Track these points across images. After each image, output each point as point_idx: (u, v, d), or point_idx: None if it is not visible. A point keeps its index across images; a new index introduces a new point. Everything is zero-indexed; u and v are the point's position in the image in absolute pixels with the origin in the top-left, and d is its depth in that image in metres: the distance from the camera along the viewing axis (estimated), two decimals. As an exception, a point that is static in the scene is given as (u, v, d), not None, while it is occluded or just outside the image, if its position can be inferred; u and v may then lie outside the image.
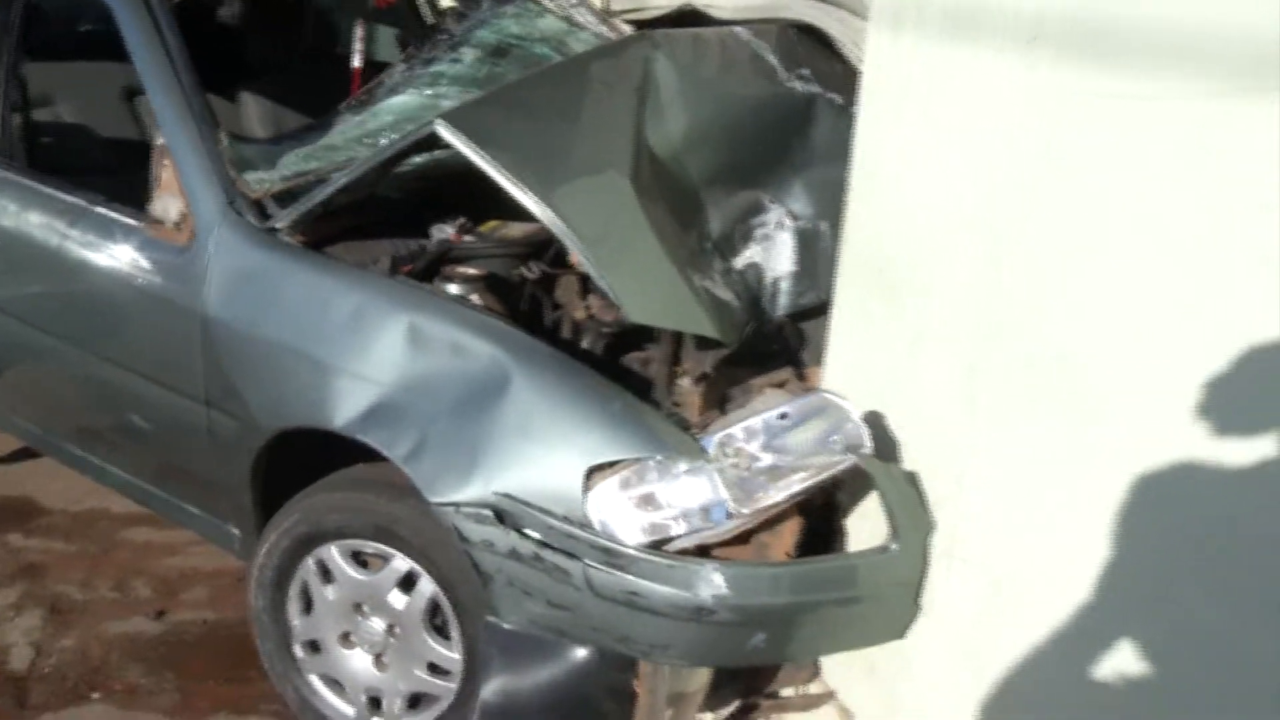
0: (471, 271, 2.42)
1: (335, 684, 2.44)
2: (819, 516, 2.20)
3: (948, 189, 1.95)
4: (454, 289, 2.38)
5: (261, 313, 2.35)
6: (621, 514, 1.97)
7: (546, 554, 1.99)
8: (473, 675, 2.20)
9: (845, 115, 2.59)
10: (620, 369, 2.40)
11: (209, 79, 2.61)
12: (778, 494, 1.98)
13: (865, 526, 2.18)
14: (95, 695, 2.59)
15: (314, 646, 2.44)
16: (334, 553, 2.32)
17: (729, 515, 1.97)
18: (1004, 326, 1.87)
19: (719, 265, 2.56)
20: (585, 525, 1.97)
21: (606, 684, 2.12)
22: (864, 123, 2.16)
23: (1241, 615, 1.58)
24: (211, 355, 2.41)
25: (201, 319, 2.41)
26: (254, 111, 3.42)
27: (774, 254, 2.64)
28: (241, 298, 2.38)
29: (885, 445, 2.11)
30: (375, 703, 2.39)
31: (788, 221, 2.65)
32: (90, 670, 2.67)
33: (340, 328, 2.24)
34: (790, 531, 2.06)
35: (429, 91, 2.83)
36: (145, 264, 2.52)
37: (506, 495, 2.02)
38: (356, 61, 3.36)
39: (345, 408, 2.19)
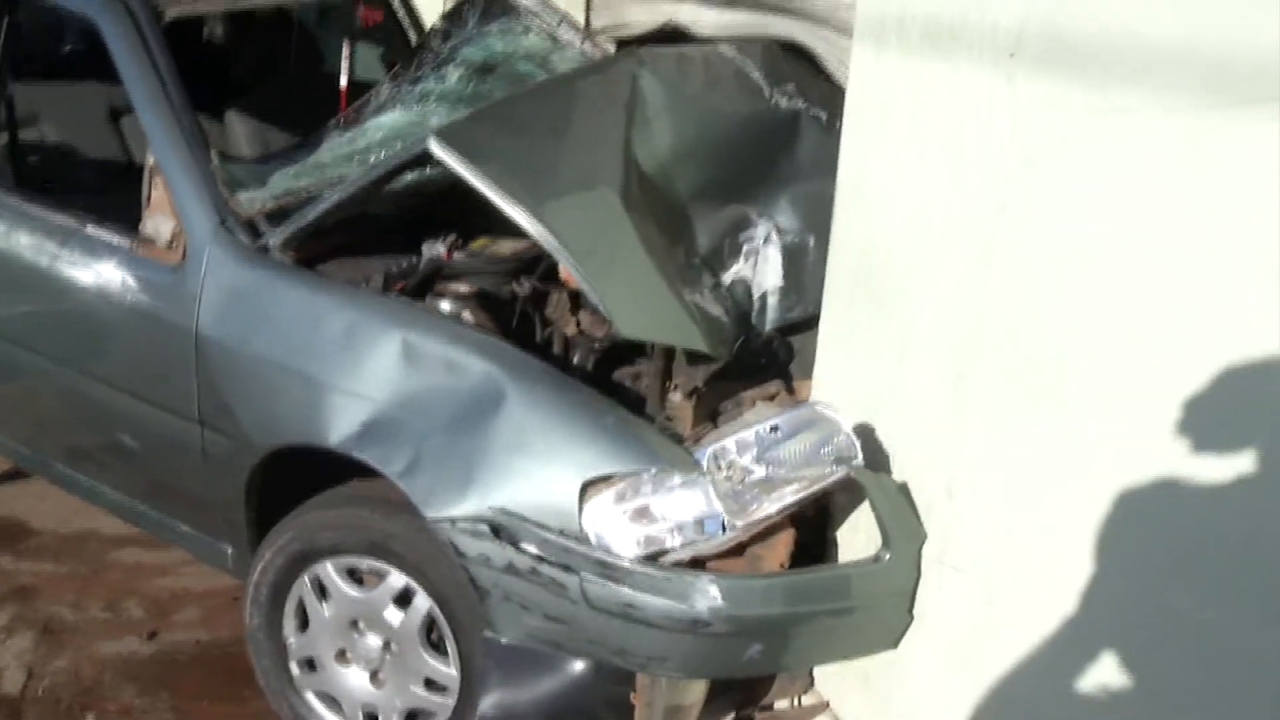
0: (463, 288, 2.45)
1: (332, 701, 2.44)
2: (812, 528, 2.23)
3: (933, 201, 1.97)
4: (446, 306, 2.40)
5: (255, 331, 2.36)
6: (617, 527, 1.99)
7: (543, 568, 2.00)
8: (469, 691, 2.21)
9: (830, 130, 2.63)
10: (612, 384, 2.42)
11: (195, 98, 2.62)
12: (771, 506, 2.00)
13: (858, 537, 2.20)
14: (89, 716, 2.59)
15: (310, 664, 2.44)
16: (329, 570, 2.32)
17: (723, 527, 1.99)
18: (991, 335, 1.89)
19: (708, 280, 2.59)
20: (581, 539, 1.98)
21: (604, 697, 2.14)
22: (849, 137, 2.19)
23: (1234, 621, 1.60)
24: (205, 374, 2.41)
25: (194, 338, 2.41)
26: (240, 130, 3.43)
27: (762, 268, 2.67)
28: (234, 316, 2.39)
29: (876, 455, 2.13)
30: (372, 719, 2.40)
31: (775, 236, 2.68)
32: (84, 691, 2.66)
33: (334, 345, 2.25)
34: (784, 543, 2.08)
35: (417, 109, 2.84)
36: (136, 284, 2.52)
37: (502, 510, 2.03)
38: (344, 80, 3.37)
39: (340, 425, 2.20)
